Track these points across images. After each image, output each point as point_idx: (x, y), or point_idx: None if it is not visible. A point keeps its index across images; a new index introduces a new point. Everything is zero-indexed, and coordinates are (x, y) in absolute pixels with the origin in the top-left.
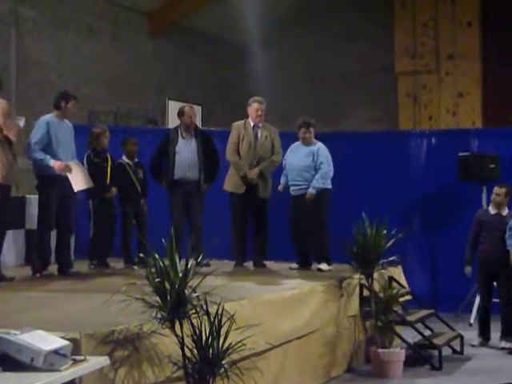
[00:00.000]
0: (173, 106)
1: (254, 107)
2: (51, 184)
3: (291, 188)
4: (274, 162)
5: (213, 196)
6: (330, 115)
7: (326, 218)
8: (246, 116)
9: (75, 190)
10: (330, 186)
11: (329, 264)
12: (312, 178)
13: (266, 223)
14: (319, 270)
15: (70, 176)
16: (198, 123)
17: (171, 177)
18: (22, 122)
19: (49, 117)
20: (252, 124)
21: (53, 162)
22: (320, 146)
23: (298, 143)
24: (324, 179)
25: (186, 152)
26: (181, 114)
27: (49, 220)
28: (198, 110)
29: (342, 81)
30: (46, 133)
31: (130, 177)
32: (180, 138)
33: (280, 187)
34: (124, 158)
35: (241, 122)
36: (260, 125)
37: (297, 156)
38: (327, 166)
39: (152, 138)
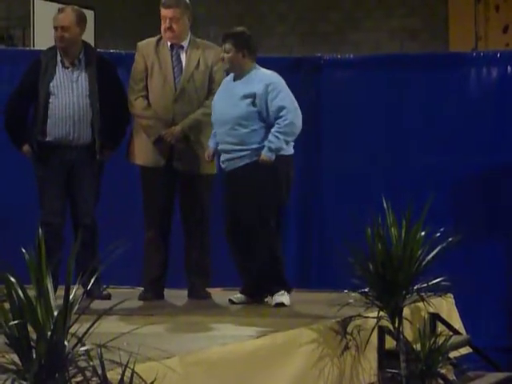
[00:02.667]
0: (42, 9)
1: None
2: None
3: (221, 157)
4: (200, 119)
5: (120, 172)
6: (330, 26)
7: (277, 211)
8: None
9: None
10: (291, 151)
11: (289, 292)
12: (252, 138)
13: (207, 221)
14: (278, 305)
15: None
16: (90, 40)
17: (41, 137)
18: None
19: None
20: (169, 44)
21: None
22: (268, 76)
23: (229, 76)
24: (286, 136)
25: (67, 93)
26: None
27: None
28: (89, 16)
29: None
30: None
31: None
32: (58, 69)
33: (206, 154)
34: None
35: (151, 41)
36: (184, 44)
37: (224, 101)
38: (291, 113)
39: (7, 67)
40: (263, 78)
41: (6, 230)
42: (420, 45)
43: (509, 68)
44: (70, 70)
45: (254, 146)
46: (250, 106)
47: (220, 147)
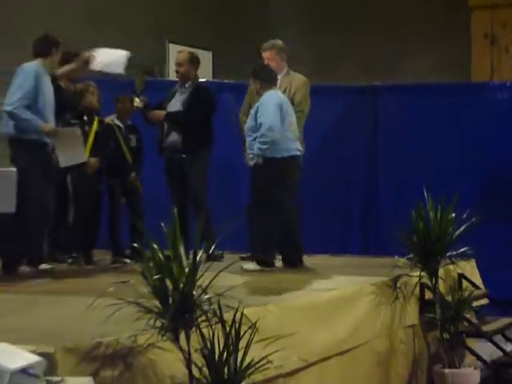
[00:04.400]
0: (174, 50)
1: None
2: (41, 153)
3: None
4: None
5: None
6: (380, 64)
7: (272, 199)
8: None
9: (61, 165)
10: (277, 155)
11: (258, 263)
12: (254, 146)
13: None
14: (245, 270)
15: (57, 145)
16: (209, 73)
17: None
18: None
19: (35, 66)
20: None
21: (42, 125)
22: (264, 97)
23: None
24: (261, 143)
25: (171, 107)
26: None
27: (43, 201)
28: (207, 56)
29: (396, 20)
30: (34, 86)
31: (118, 143)
32: (177, 94)
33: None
34: (114, 118)
35: None
36: (280, 75)
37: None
38: (264, 127)
39: (149, 92)
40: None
41: (152, 211)
42: (450, 77)
43: None
44: (179, 93)
45: (255, 152)
46: (253, 121)
47: None
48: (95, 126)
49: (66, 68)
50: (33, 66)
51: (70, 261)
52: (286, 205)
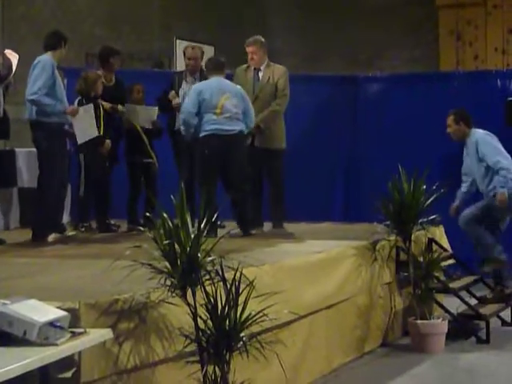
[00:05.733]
0: (182, 47)
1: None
2: (59, 134)
3: None
4: (274, 110)
5: None
6: (360, 55)
7: (199, 174)
8: None
9: (79, 142)
10: (200, 135)
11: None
12: None
13: (280, 179)
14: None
15: (75, 124)
16: None
17: (172, 127)
18: (15, 60)
19: (49, 58)
20: (252, 67)
21: (64, 107)
22: None
23: None
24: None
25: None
26: (183, 55)
27: (61, 175)
28: (209, 50)
29: (374, 15)
30: (51, 76)
31: (135, 126)
32: (184, 82)
33: None
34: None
35: (243, 67)
36: (262, 67)
37: None
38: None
39: (159, 83)
40: None
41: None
42: (421, 68)
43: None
44: (189, 84)
45: None
46: None
47: None
48: (102, 109)
49: None
50: (47, 58)
51: (82, 229)
52: (209, 179)
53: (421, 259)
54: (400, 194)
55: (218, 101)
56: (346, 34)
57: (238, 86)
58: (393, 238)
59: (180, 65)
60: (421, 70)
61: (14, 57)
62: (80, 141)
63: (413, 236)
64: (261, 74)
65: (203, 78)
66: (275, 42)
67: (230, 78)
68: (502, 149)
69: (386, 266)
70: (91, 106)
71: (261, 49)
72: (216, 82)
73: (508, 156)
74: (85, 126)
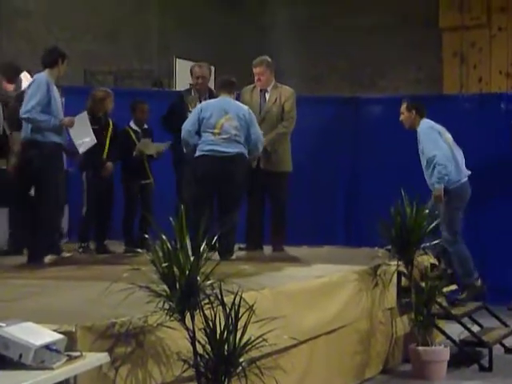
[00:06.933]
0: (181, 66)
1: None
2: (55, 154)
3: None
4: (280, 133)
5: None
6: (362, 76)
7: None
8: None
9: (80, 152)
10: (197, 154)
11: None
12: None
13: (283, 202)
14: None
15: (73, 135)
16: (211, 85)
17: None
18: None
19: (44, 76)
20: (259, 88)
21: (60, 120)
22: None
23: None
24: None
25: None
26: (190, 74)
27: (56, 195)
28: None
29: (377, 36)
30: (46, 93)
31: (135, 146)
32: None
33: None
34: (132, 124)
35: (250, 87)
36: (269, 88)
37: None
38: None
39: (158, 102)
40: None
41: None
42: (424, 90)
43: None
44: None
45: None
46: None
47: None
48: (110, 130)
49: None
50: (42, 76)
51: (80, 250)
52: (200, 202)
53: (423, 285)
54: (402, 218)
55: (218, 120)
56: (349, 54)
57: (246, 107)
58: (394, 262)
59: (180, 84)
60: (424, 92)
61: (26, 79)
62: (81, 151)
63: (415, 261)
64: (267, 95)
65: (212, 97)
66: (276, 63)
67: (237, 98)
68: (444, 142)
69: (387, 291)
70: (85, 113)
71: (268, 69)
72: (220, 101)
73: (452, 150)
74: (81, 134)
